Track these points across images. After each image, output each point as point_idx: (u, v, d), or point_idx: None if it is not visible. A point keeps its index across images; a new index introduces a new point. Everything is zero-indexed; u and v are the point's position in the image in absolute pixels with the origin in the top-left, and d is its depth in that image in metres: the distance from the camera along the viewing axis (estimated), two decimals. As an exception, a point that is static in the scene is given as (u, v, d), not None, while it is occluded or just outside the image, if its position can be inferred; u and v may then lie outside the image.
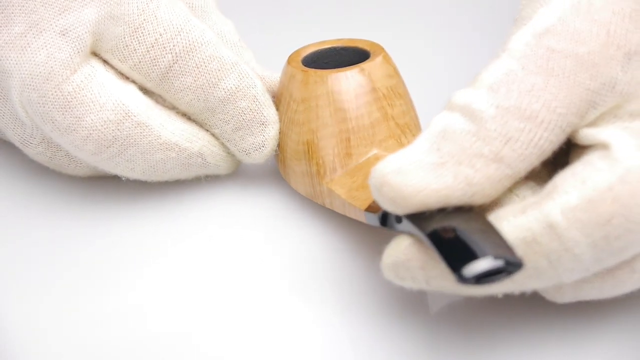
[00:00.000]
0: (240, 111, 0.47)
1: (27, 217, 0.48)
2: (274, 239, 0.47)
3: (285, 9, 0.64)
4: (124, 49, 0.45)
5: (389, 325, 0.42)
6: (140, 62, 0.45)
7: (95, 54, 0.46)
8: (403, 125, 0.46)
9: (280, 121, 0.48)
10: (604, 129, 0.39)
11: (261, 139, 0.47)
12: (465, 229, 0.37)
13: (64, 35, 0.44)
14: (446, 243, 0.36)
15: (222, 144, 0.48)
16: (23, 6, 0.44)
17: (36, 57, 0.44)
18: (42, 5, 0.44)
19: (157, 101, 0.47)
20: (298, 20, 0.64)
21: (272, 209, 0.49)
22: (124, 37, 0.45)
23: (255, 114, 0.47)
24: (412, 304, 0.42)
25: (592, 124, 0.40)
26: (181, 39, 0.45)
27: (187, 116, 0.48)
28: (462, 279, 0.35)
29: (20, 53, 0.44)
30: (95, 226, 0.47)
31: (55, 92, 0.44)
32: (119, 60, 0.46)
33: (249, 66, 0.48)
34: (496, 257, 0.35)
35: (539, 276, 0.38)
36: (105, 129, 0.45)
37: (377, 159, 0.45)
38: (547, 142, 0.39)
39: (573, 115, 0.39)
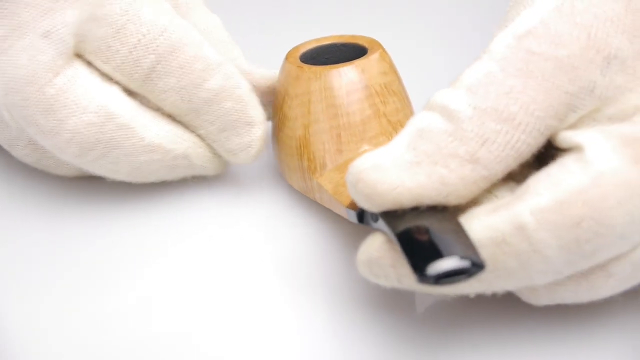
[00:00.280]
0: (226, 112, 0.46)
1: (26, 217, 0.49)
2: (273, 238, 0.47)
3: (288, 5, 0.65)
4: (107, 50, 0.45)
5: (381, 322, 0.42)
6: (123, 63, 0.45)
7: (78, 56, 0.46)
8: (395, 123, 0.46)
9: (276, 116, 0.48)
10: (581, 131, 0.39)
11: (248, 139, 0.47)
12: (437, 228, 0.37)
13: (46, 37, 0.44)
14: (415, 242, 0.36)
15: (209, 145, 0.48)
16: (4, 9, 0.44)
17: (18, 60, 0.44)
18: (24, 8, 0.44)
19: (141, 102, 0.47)
20: (300, 16, 0.64)
21: (272, 208, 0.49)
22: (107, 39, 0.45)
23: (241, 114, 0.46)
24: (401, 304, 0.43)
25: (572, 126, 0.40)
26: (164, 39, 0.45)
27: (172, 117, 0.47)
28: (422, 278, 0.35)
29: (2, 56, 0.44)
30: (95, 227, 0.48)
31: (38, 95, 0.44)
32: (102, 61, 0.45)
33: (236, 64, 0.48)
34: (462, 257, 0.35)
35: (509, 277, 0.38)
36: (87, 131, 0.45)
37: (366, 155, 0.45)
38: (525, 145, 0.39)
39: (552, 119, 0.39)
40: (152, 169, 0.47)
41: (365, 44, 0.49)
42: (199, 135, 0.48)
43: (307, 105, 0.46)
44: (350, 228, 0.46)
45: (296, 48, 0.49)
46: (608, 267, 0.38)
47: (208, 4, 0.52)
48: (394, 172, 0.38)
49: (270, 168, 0.51)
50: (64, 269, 0.45)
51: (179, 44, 0.45)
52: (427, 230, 0.37)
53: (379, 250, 0.39)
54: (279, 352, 0.41)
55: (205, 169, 0.48)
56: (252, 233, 0.48)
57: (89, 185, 0.50)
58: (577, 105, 0.39)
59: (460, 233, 0.37)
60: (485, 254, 0.37)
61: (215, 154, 0.48)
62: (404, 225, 0.37)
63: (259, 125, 0.47)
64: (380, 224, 0.39)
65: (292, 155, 0.47)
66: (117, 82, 0.46)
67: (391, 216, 0.38)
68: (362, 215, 0.41)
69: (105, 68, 0.46)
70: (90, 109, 0.45)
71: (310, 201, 0.48)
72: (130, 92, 0.47)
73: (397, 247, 0.37)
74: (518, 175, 0.40)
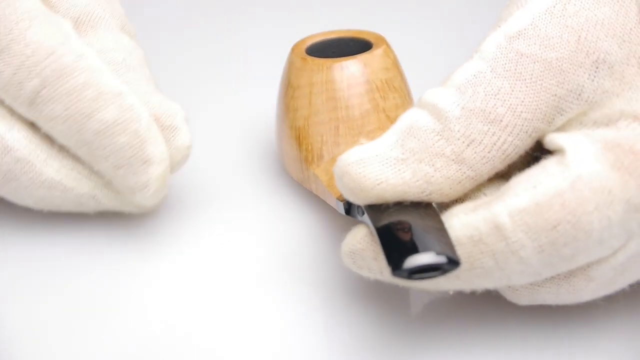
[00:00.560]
0: (120, 147, 0.42)
1: (25, 241, 0.47)
2: (270, 230, 0.48)
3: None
4: None
5: (375, 319, 0.42)
6: (7, 85, 0.42)
7: None
8: (394, 119, 0.47)
9: (279, 106, 0.49)
10: (566, 134, 0.39)
11: (144, 178, 0.43)
12: (418, 224, 0.37)
13: None
14: (394, 236, 0.37)
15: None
16: None
17: None
18: None
19: (45, 136, 0.44)
20: (312, 9, 0.64)
21: (271, 201, 0.49)
22: None
23: (136, 150, 0.42)
24: (396, 301, 0.43)
25: (560, 129, 0.40)
26: (50, 62, 0.42)
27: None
28: (396, 271, 0.36)
29: None
30: (93, 235, 0.47)
31: None
32: None
33: (141, 93, 0.44)
34: (439, 253, 0.36)
35: (487, 276, 0.38)
36: None
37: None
38: (512, 147, 0.39)
39: (539, 121, 0.39)
40: (56, 203, 0.45)
41: (371, 39, 0.49)
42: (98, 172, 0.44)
43: (309, 97, 0.47)
44: (344, 221, 0.47)
45: (303, 40, 0.50)
46: (589, 271, 0.38)
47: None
48: (379, 167, 0.39)
49: (270, 166, 0.51)
50: (68, 279, 0.45)
51: (67, 68, 0.42)
52: (408, 226, 0.37)
53: (362, 242, 0.39)
54: (271, 347, 0.42)
55: (120, 208, 0.46)
56: (248, 225, 0.48)
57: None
58: (565, 109, 0.39)
59: (441, 230, 0.37)
60: (462, 251, 0.37)
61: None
62: (386, 219, 0.38)
63: (158, 164, 0.43)
64: (365, 217, 0.39)
65: (291, 146, 0.48)
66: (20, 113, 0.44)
67: (375, 210, 0.39)
68: (349, 207, 0.41)
69: None
70: None
71: (307, 193, 0.49)
72: (33, 125, 0.44)
73: (377, 240, 0.38)
74: (508, 175, 0.40)
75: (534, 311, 0.41)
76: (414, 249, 0.36)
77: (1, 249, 0.46)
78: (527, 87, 0.39)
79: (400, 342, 0.41)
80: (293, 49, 0.49)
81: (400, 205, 0.39)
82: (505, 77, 0.39)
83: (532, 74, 0.39)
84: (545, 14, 0.40)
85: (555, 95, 0.39)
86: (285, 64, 0.49)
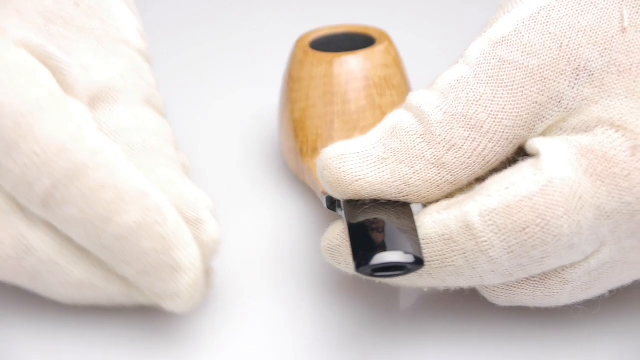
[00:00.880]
0: (144, 253, 0.38)
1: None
2: (269, 232, 0.48)
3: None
4: (1, 168, 0.38)
5: (365, 317, 0.42)
6: (17, 185, 0.38)
7: None
8: None
9: (281, 98, 0.50)
10: (543, 138, 0.39)
11: (173, 286, 0.38)
12: (392, 222, 0.38)
13: None
14: (364, 233, 0.38)
15: None
16: None
17: None
18: None
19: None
20: (321, 3, 0.64)
21: (272, 200, 0.50)
22: None
23: (163, 256, 0.38)
24: (385, 299, 0.43)
25: (541, 134, 0.40)
26: (61, 160, 0.37)
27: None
28: (360, 267, 0.36)
29: None
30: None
31: None
32: (1, 181, 0.39)
33: (159, 181, 0.40)
34: (407, 253, 0.36)
35: (458, 274, 0.38)
36: (7, 263, 0.39)
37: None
38: (492, 153, 0.39)
39: (520, 128, 0.39)
40: (89, 301, 0.41)
41: (375, 36, 0.50)
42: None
43: (307, 90, 0.48)
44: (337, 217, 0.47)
45: (308, 34, 0.50)
46: (563, 274, 0.39)
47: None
48: (359, 164, 0.39)
49: (270, 165, 0.52)
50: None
51: (81, 167, 0.37)
52: (381, 224, 0.38)
53: (339, 237, 0.40)
54: (262, 343, 0.42)
55: (160, 302, 0.40)
56: (248, 220, 0.48)
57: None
58: (545, 116, 0.39)
59: (412, 231, 0.38)
60: (434, 249, 0.38)
61: None
62: (361, 216, 0.39)
63: (188, 270, 0.38)
64: (342, 212, 0.40)
65: (289, 137, 0.49)
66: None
67: (352, 206, 0.39)
68: (331, 201, 0.42)
69: (6, 189, 0.39)
70: (6, 242, 0.39)
71: (307, 188, 0.49)
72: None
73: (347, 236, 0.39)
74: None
75: (522, 309, 0.42)
76: (382, 247, 0.37)
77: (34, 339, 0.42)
78: (508, 94, 0.39)
79: (390, 338, 0.42)
80: (297, 42, 0.50)
81: (377, 203, 0.39)
82: (487, 84, 0.39)
83: (514, 81, 0.39)
84: (529, 20, 0.40)
85: (536, 102, 0.39)
86: (289, 56, 0.50)
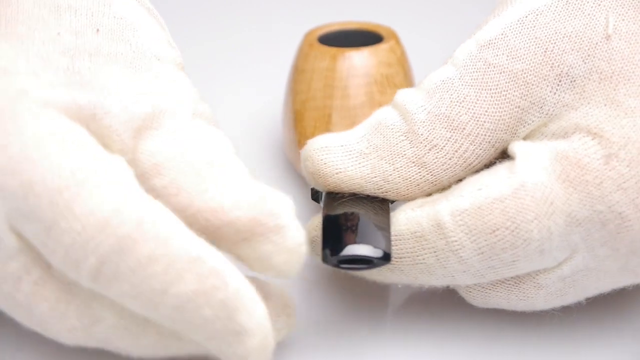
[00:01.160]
0: (206, 321, 0.35)
1: None
2: None
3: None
4: (44, 249, 0.35)
5: (355, 316, 0.43)
6: (63, 264, 0.35)
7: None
8: None
9: (286, 88, 0.50)
10: (523, 142, 0.39)
11: (241, 350, 0.35)
12: (368, 217, 0.38)
13: None
14: (338, 225, 0.38)
15: None
16: None
17: None
18: None
19: None
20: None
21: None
22: (39, 236, 0.35)
23: (226, 322, 0.35)
24: (376, 297, 0.44)
25: (523, 138, 0.40)
26: (105, 236, 0.34)
27: None
28: (326, 257, 0.37)
29: None
30: None
31: (9, 299, 0.37)
32: (47, 261, 0.36)
33: (233, 192, 0.37)
34: (376, 247, 0.37)
35: (430, 272, 0.39)
36: (73, 334, 0.37)
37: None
38: (474, 155, 0.39)
39: (502, 132, 0.39)
40: (171, 354, 0.38)
41: (383, 34, 0.50)
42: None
43: (308, 82, 0.48)
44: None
45: (318, 28, 0.51)
46: (537, 279, 0.39)
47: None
48: (341, 157, 0.40)
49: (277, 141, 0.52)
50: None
51: (127, 240, 0.34)
52: (355, 218, 0.38)
53: (317, 229, 0.40)
54: None
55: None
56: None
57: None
58: (527, 120, 0.39)
59: (386, 227, 0.38)
60: (405, 246, 0.38)
61: None
62: (339, 209, 0.39)
63: (255, 334, 0.35)
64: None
65: (289, 127, 0.49)
66: None
67: (332, 198, 0.40)
68: (315, 193, 0.43)
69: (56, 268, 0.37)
70: (70, 314, 0.37)
71: (301, 179, 0.50)
72: None
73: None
74: None
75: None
76: (352, 240, 0.37)
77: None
78: (491, 97, 0.39)
79: (380, 336, 0.42)
80: (306, 35, 0.50)
81: (355, 197, 0.40)
82: (471, 86, 0.39)
83: (497, 85, 0.39)
84: (516, 24, 0.40)
85: (519, 107, 0.39)
86: (297, 48, 0.51)
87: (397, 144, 0.39)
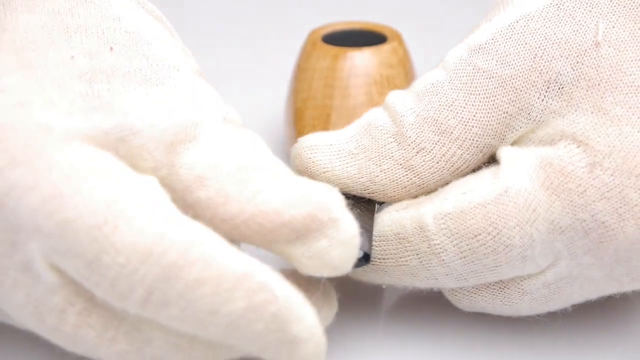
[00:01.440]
0: (258, 334, 0.34)
1: None
2: None
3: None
4: (87, 282, 0.35)
5: (348, 316, 0.43)
6: (109, 295, 0.34)
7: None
8: None
9: (289, 86, 0.51)
10: (510, 148, 0.39)
11: (297, 357, 0.35)
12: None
13: (27, 271, 0.35)
14: None
15: None
16: None
17: (17, 298, 0.36)
18: None
19: None
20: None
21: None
22: (82, 271, 0.34)
23: (278, 334, 0.34)
24: (369, 297, 0.44)
25: (512, 144, 0.40)
26: (151, 266, 0.34)
27: None
28: None
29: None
30: None
31: (55, 331, 0.36)
32: (92, 294, 0.36)
33: (282, 191, 0.36)
34: (360, 248, 0.37)
35: (414, 274, 0.39)
36: (124, 357, 0.36)
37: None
38: (461, 160, 0.39)
39: (490, 137, 0.39)
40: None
41: (388, 34, 0.50)
42: None
43: (310, 81, 0.49)
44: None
45: (323, 27, 0.51)
46: (521, 285, 0.39)
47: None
48: (329, 157, 0.40)
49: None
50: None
51: (173, 268, 0.34)
52: None
53: None
54: None
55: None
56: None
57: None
58: (515, 126, 0.39)
59: (369, 227, 0.38)
60: (388, 247, 0.39)
61: None
62: None
63: (308, 341, 0.35)
64: None
65: (289, 125, 0.50)
66: None
67: None
68: None
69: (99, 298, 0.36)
70: (120, 340, 0.36)
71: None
72: None
73: None
74: None
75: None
76: None
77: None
78: (480, 102, 0.39)
79: (372, 336, 0.42)
80: (310, 34, 0.51)
81: (342, 197, 0.40)
82: (460, 90, 0.39)
83: (486, 90, 0.39)
84: (507, 30, 0.40)
85: (507, 112, 0.39)
86: (300, 47, 0.51)
87: (385, 145, 0.40)
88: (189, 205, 0.36)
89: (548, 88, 0.39)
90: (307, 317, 0.35)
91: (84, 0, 0.39)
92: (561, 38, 0.39)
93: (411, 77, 0.50)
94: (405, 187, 0.39)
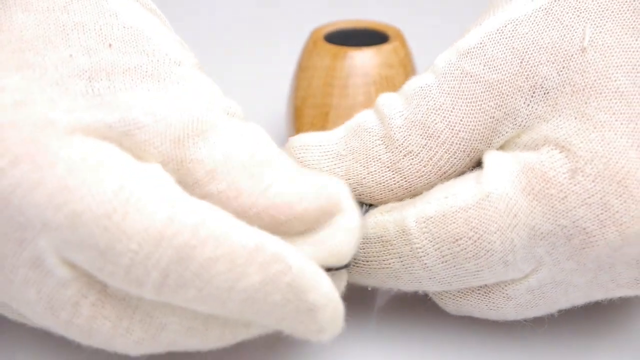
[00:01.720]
0: (276, 306, 0.35)
1: None
2: None
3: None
4: (101, 273, 0.34)
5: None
6: (125, 283, 0.34)
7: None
8: None
9: (291, 84, 0.51)
10: (495, 152, 0.39)
11: (314, 326, 0.35)
12: None
13: (36, 267, 0.35)
14: None
15: None
16: None
17: (28, 294, 0.35)
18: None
19: None
20: None
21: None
22: (95, 261, 0.34)
23: (296, 303, 0.35)
24: (363, 297, 0.44)
25: (498, 149, 0.40)
26: (163, 250, 0.34)
27: None
28: None
29: (9, 286, 0.36)
30: None
31: (69, 325, 0.36)
32: (106, 284, 0.36)
33: (292, 185, 0.36)
34: None
35: (397, 277, 0.39)
36: (141, 345, 0.36)
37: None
38: (448, 164, 0.39)
39: (477, 141, 0.39)
40: (242, 339, 0.38)
41: (390, 34, 0.50)
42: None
43: (309, 80, 0.49)
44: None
45: (326, 26, 0.51)
46: (505, 290, 0.39)
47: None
48: (318, 157, 0.40)
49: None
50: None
51: (186, 248, 0.34)
52: None
53: None
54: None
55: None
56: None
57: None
58: (501, 131, 0.39)
59: None
60: (372, 250, 0.39)
61: None
62: None
63: (325, 307, 0.35)
64: None
65: (289, 123, 0.50)
66: None
67: None
68: None
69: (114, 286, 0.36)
70: (135, 328, 0.36)
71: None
72: None
73: None
74: None
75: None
76: None
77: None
78: (467, 106, 0.39)
79: (365, 335, 0.42)
80: (312, 32, 0.51)
81: None
82: (448, 94, 0.39)
83: (473, 94, 0.39)
84: (495, 34, 0.39)
85: (493, 117, 0.39)
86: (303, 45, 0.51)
87: (372, 147, 0.40)
88: (201, 198, 0.36)
89: (534, 93, 0.39)
90: (322, 284, 0.35)
91: None
92: (548, 43, 0.39)
93: (410, 76, 0.49)
94: (392, 190, 0.40)
